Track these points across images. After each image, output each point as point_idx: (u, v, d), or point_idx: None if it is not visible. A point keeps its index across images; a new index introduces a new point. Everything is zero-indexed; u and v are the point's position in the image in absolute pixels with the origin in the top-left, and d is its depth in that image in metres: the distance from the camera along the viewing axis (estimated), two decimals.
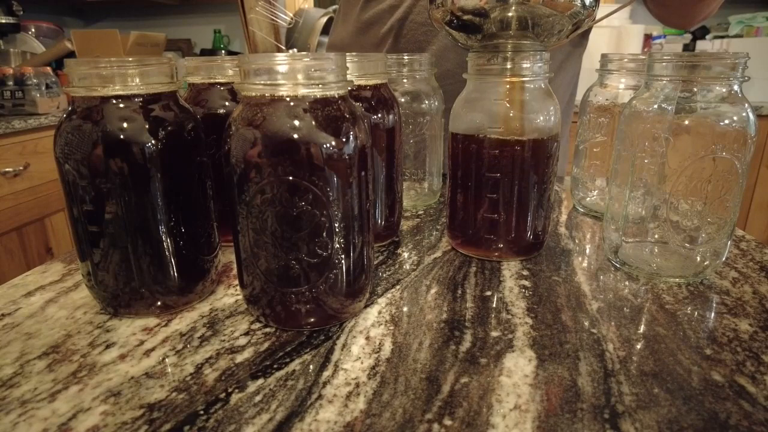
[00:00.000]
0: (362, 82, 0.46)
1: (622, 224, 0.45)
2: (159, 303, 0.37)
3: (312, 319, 0.35)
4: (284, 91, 0.32)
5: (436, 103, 0.61)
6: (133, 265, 0.36)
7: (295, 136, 0.31)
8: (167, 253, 0.36)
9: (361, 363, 0.32)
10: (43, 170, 1.51)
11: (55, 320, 0.37)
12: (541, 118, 0.43)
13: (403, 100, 0.59)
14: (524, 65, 0.43)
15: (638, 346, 0.33)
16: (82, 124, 0.33)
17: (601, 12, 0.47)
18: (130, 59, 0.34)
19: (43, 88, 1.60)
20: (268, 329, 0.36)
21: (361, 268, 0.36)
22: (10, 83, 1.55)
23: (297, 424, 0.27)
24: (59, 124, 0.34)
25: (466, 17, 0.43)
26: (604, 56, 0.57)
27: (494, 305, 0.39)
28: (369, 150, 0.35)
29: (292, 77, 0.32)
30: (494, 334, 0.35)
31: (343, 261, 0.34)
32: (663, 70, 0.40)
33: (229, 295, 0.41)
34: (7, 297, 0.41)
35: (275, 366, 0.31)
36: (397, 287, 0.42)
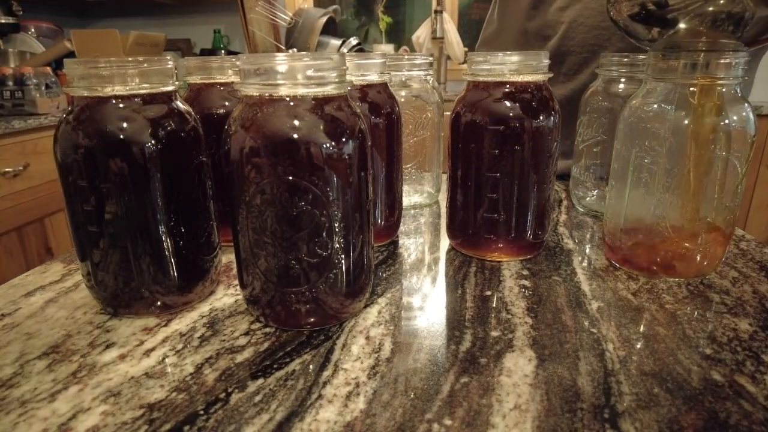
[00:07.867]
0: (362, 82, 0.46)
1: (623, 224, 0.44)
2: (159, 303, 0.37)
3: (312, 319, 0.35)
4: (284, 91, 0.32)
5: (436, 104, 0.61)
6: (132, 265, 0.36)
7: (295, 136, 0.31)
8: (167, 253, 0.36)
9: (361, 363, 0.32)
10: (43, 170, 1.51)
11: (55, 320, 0.37)
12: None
13: (403, 100, 0.59)
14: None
15: (638, 346, 0.33)
16: (82, 124, 0.33)
17: None
18: (130, 59, 0.34)
19: (43, 88, 1.59)
20: (268, 329, 0.36)
21: (361, 268, 0.36)
22: (10, 83, 1.55)
23: (297, 424, 0.27)
24: (59, 124, 0.34)
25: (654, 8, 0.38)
26: (604, 56, 0.57)
27: (494, 305, 0.39)
28: (369, 150, 0.35)
29: (291, 77, 0.32)
30: (494, 333, 0.35)
31: (343, 261, 0.34)
32: (663, 70, 0.40)
33: (229, 295, 0.41)
34: (7, 297, 0.41)
35: (275, 366, 0.31)
36: (397, 287, 0.42)
